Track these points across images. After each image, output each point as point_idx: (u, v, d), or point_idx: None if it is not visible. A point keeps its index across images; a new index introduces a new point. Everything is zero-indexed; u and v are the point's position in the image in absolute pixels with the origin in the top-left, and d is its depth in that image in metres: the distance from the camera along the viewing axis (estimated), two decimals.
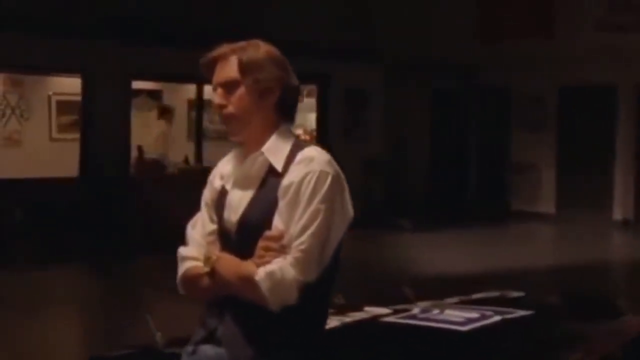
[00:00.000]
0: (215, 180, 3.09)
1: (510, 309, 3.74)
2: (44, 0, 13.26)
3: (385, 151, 17.58)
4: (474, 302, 4.04)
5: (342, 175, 2.90)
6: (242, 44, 2.99)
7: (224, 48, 2.99)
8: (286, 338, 2.83)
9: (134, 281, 11.68)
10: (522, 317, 3.68)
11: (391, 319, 3.68)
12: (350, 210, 2.91)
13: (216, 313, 2.93)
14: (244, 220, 2.91)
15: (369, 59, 16.96)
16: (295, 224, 2.79)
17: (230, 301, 2.87)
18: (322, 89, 16.75)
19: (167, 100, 16.33)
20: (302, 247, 2.77)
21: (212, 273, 2.89)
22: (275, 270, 2.75)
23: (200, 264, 2.94)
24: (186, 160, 15.63)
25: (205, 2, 14.74)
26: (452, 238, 15.36)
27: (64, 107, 15.04)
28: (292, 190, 2.82)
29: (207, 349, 2.91)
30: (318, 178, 2.82)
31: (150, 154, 15.16)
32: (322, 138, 15.98)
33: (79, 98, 14.06)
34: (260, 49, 2.97)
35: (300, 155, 2.89)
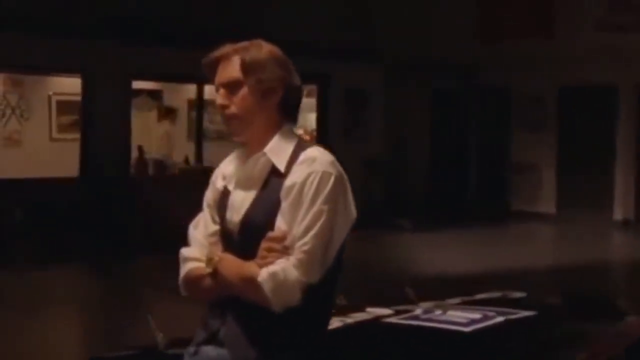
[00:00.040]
0: (217, 181, 3.08)
1: (513, 310, 3.73)
2: (44, 0, 13.26)
3: (385, 151, 17.57)
4: (476, 303, 4.04)
5: (345, 176, 2.89)
6: (244, 43, 2.97)
7: (226, 48, 2.97)
8: (289, 339, 2.82)
9: (134, 281, 11.68)
10: (526, 318, 3.67)
11: (393, 319, 3.67)
12: (353, 211, 2.90)
13: (218, 314, 2.92)
14: (247, 220, 2.90)
15: (369, 59, 16.95)
16: (298, 224, 2.78)
17: (232, 302, 2.86)
18: (322, 89, 16.75)
19: (167, 100, 16.33)
20: (305, 248, 2.76)
21: (215, 274, 2.88)
22: (278, 271, 2.74)
23: (202, 264, 2.92)
24: (186, 161, 15.64)
25: (205, 2, 14.74)
26: (452, 238, 15.36)
27: (64, 107, 15.02)
28: (295, 191, 2.80)
29: (209, 350, 2.90)
30: (321, 179, 2.81)
31: (154, 154, 15.20)
32: (322, 138, 15.97)
33: (79, 98, 14.06)
34: (262, 49, 2.95)
35: (303, 156, 2.87)
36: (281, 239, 2.78)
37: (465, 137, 19.22)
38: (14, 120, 14.74)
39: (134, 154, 14.60)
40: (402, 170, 18.04)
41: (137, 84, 14.99)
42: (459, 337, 3.36)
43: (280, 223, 2.81)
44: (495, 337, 3.45)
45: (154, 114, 15.97)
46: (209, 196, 3.08)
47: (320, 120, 16.97)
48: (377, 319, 3.70)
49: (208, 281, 2.90)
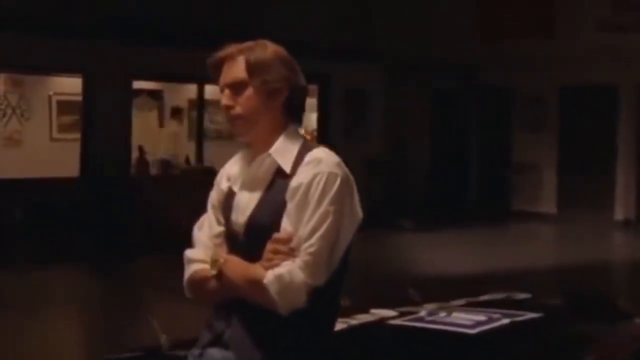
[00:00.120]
0: (222, 182, 3.05)
1: (518, 312, 3.71)
2: (44, 0, 13.24)
3: (385, 151, 17.57)
4: (481, 304, 4.02)
5: (351, 177, 2.87)
6: (249, 44, 2.95)
7: (231, 48, 2.95)
8: (294, 341, 2.79)
9: (134, 281, 11.68)
10: (531, 320, 3.65)
11: (398, 321, 3.65)
12: (360, 212, 2.88)
13: (223, 316, 2.89)
14: (252, 222, 2.88)
15: (369, 59, 16.95)
16: (304, 226, 2.75)
17: (237, 304, 2.84)
18: (322, 89, 16.74)
19: (167, 100, 16.33)
20: (311, 249, 2.73)
21: (220, 276, 2.85)
22: (284, 273, 2.71)
23: (207, 266, 2.90)
24: (187, 160, 15.65)
25: (205, 2, 14.73)
26: (452, 238, 15.35)
27: (64, 107, 15.01)
28: (300, 192, 2.78)
29: (214, 353, 2.87)
30: (327, 180, 2.78)
31: (162, 154, 15.24)
32: (322, 138, 15.96)
33: (79, 98, 14.05)
34: (267, 49, 2.93)
35: (308, 157, 2.85)
36: (287, 240, 2.76)
37: (465, 137, 19.22)
38: (14, 120, 14.73)
39: (135, 154, 14.60)
40: (402, 170, 18.03)
41: (138, 84, 14.99)
42: (465, 340, 3.34)
43: (286, 224, 2.79)
44: (501, 340, 3.43)
45: (154, 114, 15.96)
46: (214, 197, 3.06)
47: (320, 120, 16.97)
48: (382, 321, 3.69)
49: (213, 283, 2.88)
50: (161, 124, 16.28)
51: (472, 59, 17.94)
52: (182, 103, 16.47)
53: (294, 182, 2.81)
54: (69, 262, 11.92)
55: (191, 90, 15.80)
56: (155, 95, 16.17)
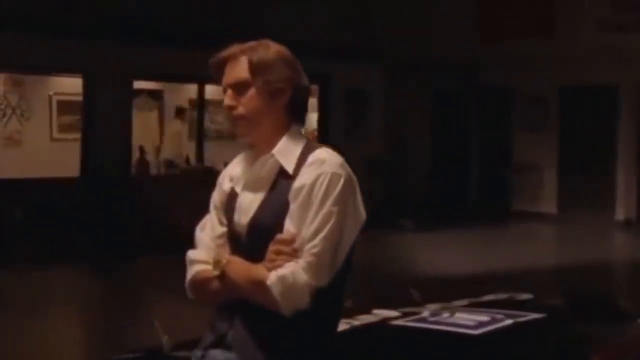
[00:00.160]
0: (224, 183, 3.04)
1: (521, 312, 3.69)
2: (44, 0, 13.23)
3: (385, 151, 17.56)
4: (483, 305, 4.01)
5: (354, 178, 2.85)
6: (252, 44, 2.94)
7: (233, 48, 2.94)
8: (297, 342, 2.78)
9: (134, 281, 11.68)
10: (535, 321, 3.63)
11: (401, 322, 3.64)
12: (363, 213, 2.87)
13: (226, 317, 2.88)
14: (255, 222, 2.86)
15: (369, 59, 16.94)
16: (308, 227, 2.74)
17: (240, 305, 2.82)
18: (322, 89, 16.73)
19: (168, 100, 16.33)
20: (315, 250, 2.72)
21: (222, 277, 2.84)
22: (287, 274, 2.70)
23: (209, 267, 2.89)
24: (187, 160, 15.65)
25: (205, 2, 14.72)
26: (452, 238, 15.35)
27: (64, 107, 15.02)
28: (304, 193, 2.77)
29: (217, 354, 2.86)
30: (330, 180, 2.77)
31: (167, 154, 15.25)
32: (322, 138, 15.95)
33: (79, 98, 14.05)
34: (270, 49, 2.92)
35: (311, 158, 2.84)
36: (290, 241, 2.75)
37: (465, 137, 19.21)
38: (14, 120, 14.74)
39: (135, 154, 14.59)
40: (402, 170, 18.03)
41: (138, 84, 14.99)
42: (468, 340, 3.33)
43: (289, 225, 2.77)
44: (505, 340, 3.41)
45: (154, 114, 15.97)
46: (216, 198, 3.04)
47: (320, 120, 16.97)
48: (384, 321, 3.67)
49: (215, 284, 2.86)
50: (161, 124, 16.29)
51: (472, 59, 17.93)
52: (183, 103, 16.48)
53: (297, 183, 2.80)
54: (69, 262, 11.92)
55: (191, 90, 15.80)
56: (156, 95, 16.17)
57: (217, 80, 2.98)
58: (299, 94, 2.95)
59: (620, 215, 16.89)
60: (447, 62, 17.82)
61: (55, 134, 15.09)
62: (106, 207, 13.08)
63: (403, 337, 3.50)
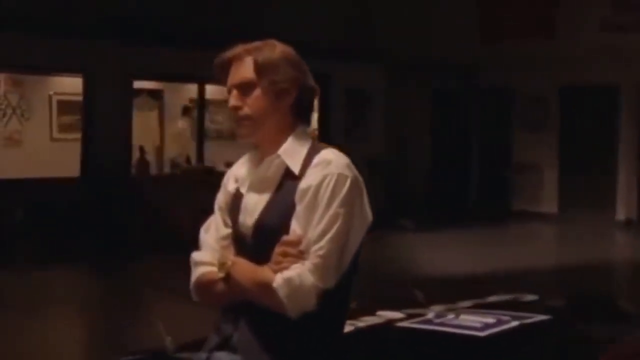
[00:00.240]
0: (229, 184, 3.01)
1: (526, 314, 3.67)
2: (44, 0, 13.22)
3: (385, 151, 17.55)
4: (488, 306, 3.99)
5: (361, 179, 2.83)
6: (257, 44, 2.92)
7: (238, 49, 2.91)
8: (304, 345, 2.76)
9: (134, 281, 11.66)
10: (541, 322, 3.61)
11: (406, 323, 3.62)
12: (369, 214, 2.85)
13: (231, 319, 2.85)
14: (260, 224, 2.84)
15: (369, 59, 16.94)
16: (314, 228, 2.71)
17: (245, 307, 2.80)
18: (322, 89, 16.65)
19: (168, 100, 16.32)
20: (321, 252, 2.70)
21: (227, 279, 2.81)
22: (294, 276, 2.68)
23: (214, 269, 2.86)
24: (187, 160, 15.65)
25: (205, 2, 14.71)
26: (453, 238, 15.33)
27: (64, 107, 15.02)
28: (310, 194, 2.74)
29: (222, 356, 2.83)
30: (337, 181, 2.75)
31: (172, 154, 15.26)
32: (323, 138, 15.94)
33: (79, 98, 14.05)
34: (276, 49, 2.89)
35: (317, 158, 2.81)
36: (296, 243, 2.72)
37: (465, 137, 19.20)
38: (14, 120, 14.74)
39: (135, 154, 14.59)
40: (403, 170, 18.02)
41: (138, 84, 14.99)
42: (474, 342, 3.31)
43: (295, 227, 2.75)
44: (511, 342, 3.39)
45: (154, 114, 15.97)
46: (221, 199, 3.01)
47: (321, 120, 16.95)
48: (389, 323, 3.66)
49: (220, 286, 2.84)
50: (162, 124, 16.28)
51: (472, 59, 17.93)
52: (183, 103, 16.46)
53: (303, 184, 2.78)
54: (69, 262, 11.91)
55: (192, 90, 15.80)
56: (156, 95, 16.17)
57: (221, 81, 2.96)
58: (305, 94, 2.92)
59: (621, 215, 16.88)
60: (447, 62, 17.82)
61: (56, 134, 15.10)
62: (106, 207, 13.08)
63: (408, 339, 3.48)
